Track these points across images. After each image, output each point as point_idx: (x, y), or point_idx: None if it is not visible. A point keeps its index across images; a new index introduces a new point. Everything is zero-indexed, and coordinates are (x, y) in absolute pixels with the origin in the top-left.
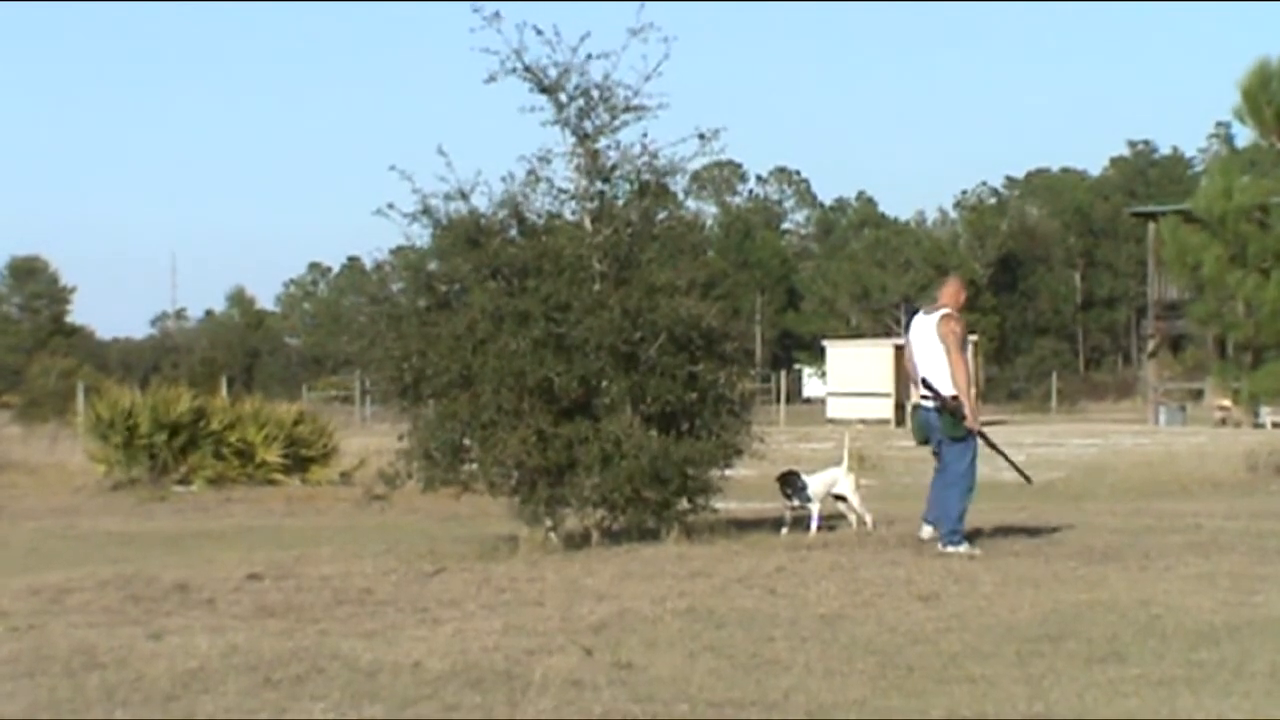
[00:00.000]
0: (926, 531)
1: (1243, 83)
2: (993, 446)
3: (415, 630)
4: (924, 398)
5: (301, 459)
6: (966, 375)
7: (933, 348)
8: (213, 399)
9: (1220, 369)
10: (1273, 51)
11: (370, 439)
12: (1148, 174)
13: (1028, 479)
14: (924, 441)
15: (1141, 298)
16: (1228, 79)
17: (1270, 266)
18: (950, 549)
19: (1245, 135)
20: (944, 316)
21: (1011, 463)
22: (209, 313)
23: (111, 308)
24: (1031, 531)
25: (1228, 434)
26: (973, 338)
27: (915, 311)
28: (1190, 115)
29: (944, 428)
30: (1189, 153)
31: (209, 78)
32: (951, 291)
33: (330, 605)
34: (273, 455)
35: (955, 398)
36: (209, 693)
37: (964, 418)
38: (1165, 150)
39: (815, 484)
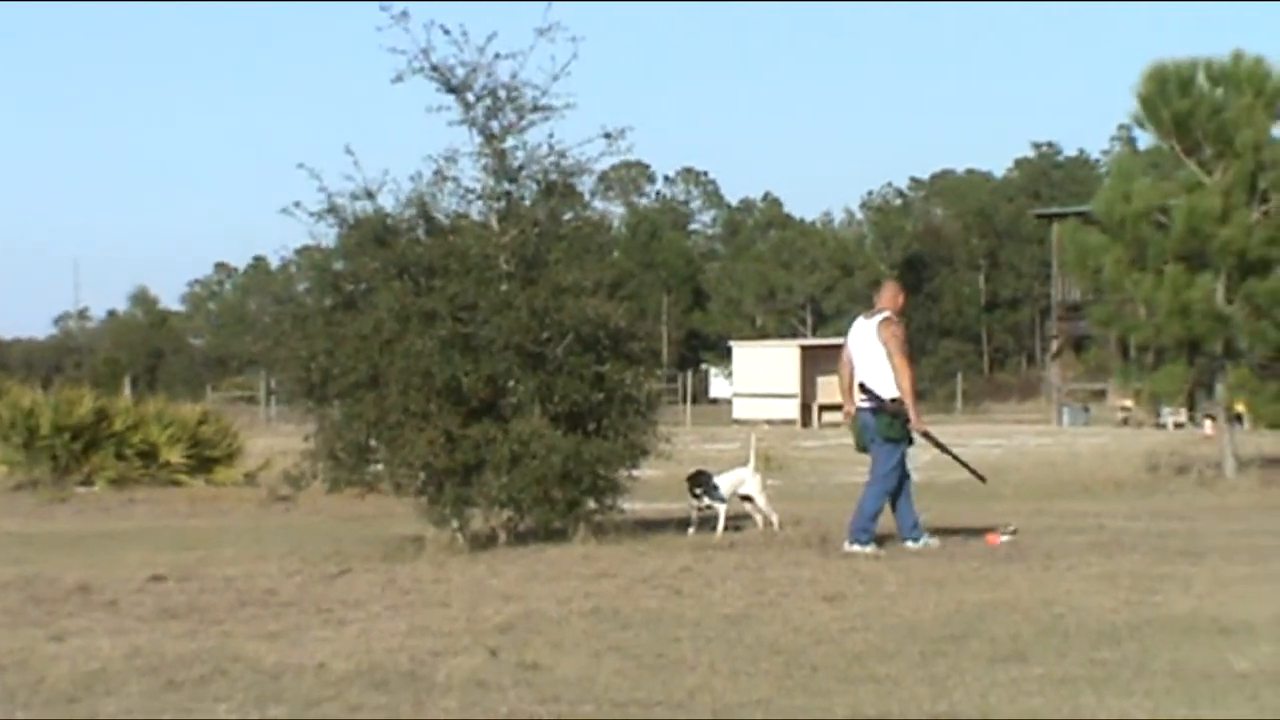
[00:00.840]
0: (911, 545)
1: (1139, 87)
2: (941, 447)
3: (320, 631)
4: (863, 400)
5: (206, 460)
6: (911, 378)
7: (873, 351)
8: (116, 399)
9: (1122, 370)
10: (1171, 53)
11: (275, 440)
12: (1051, 176)
13: (981, 478)
14: (864, 449)
15: (1045, 299)
16: (1131, 81)
17: (1168, 268)
18: (855, 548)
19: (1147, 138)
20: (884, 320)
21: (962, 462)
22: (112, 313)
23: (13, 308)
24: (936, 531)
25: (1130, 434)
26: None
27: (855, 317)
28: (1095, 117)
29: (879, 428)
30: (1093, 155)
31: (113, 75)
32: (890, 295)
33: (234, 606)
34: (176, 456)
35: (895, 400)
36: (111, 695)
37: (905, 420)
38: (1070, 152)
39: (722, 484)
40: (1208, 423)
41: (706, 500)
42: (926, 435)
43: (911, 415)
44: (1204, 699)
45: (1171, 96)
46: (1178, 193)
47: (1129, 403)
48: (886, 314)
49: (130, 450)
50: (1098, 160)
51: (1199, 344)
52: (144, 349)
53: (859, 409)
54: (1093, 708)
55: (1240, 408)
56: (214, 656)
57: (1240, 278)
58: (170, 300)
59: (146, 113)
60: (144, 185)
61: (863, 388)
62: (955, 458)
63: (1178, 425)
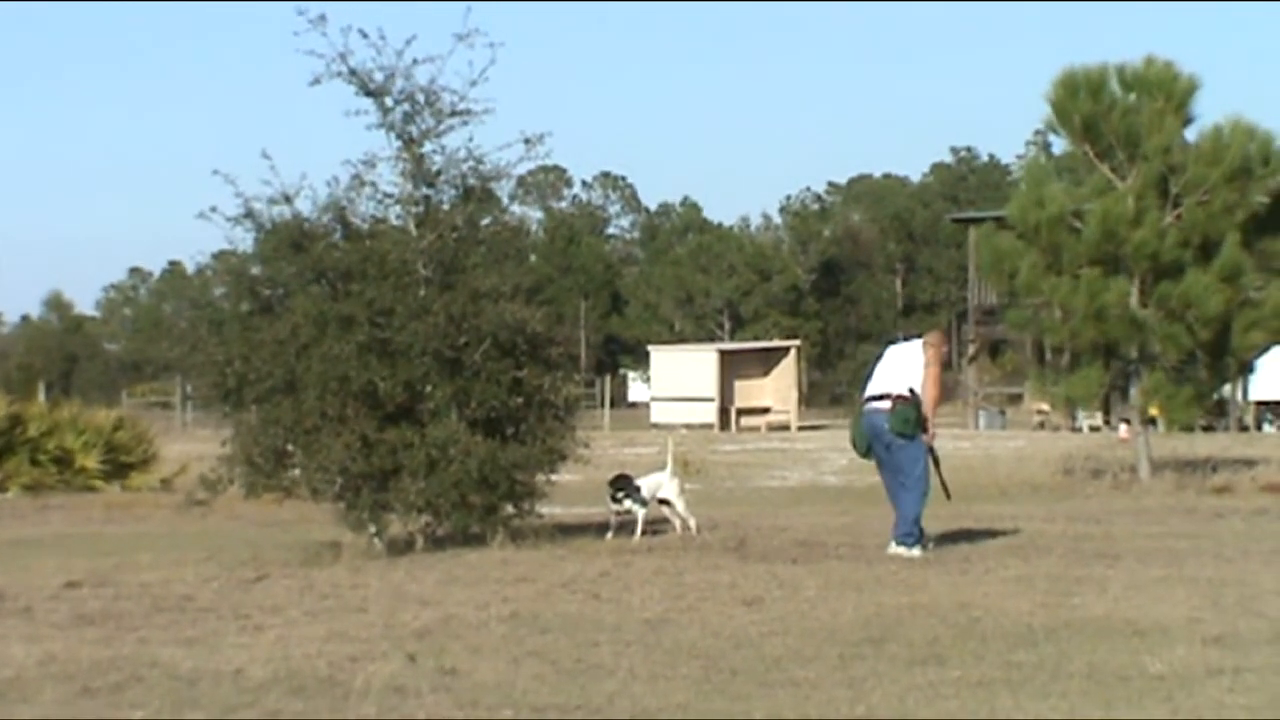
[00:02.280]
0: (894, 549)
1: (1051, 93)
2: (935, 462)
3: (237, 637)
4: (873, 399)
5: (121, 465)
6: (938, 393)
7: (908, 364)
8: (30, 405)
9: (1038, 374)
10: (1086, 58)
11: (192, 445)
12: (969, 181)
13: (948, 494)
14: (865, 453)
15: (962, 303)
16: (1045, 87)
17: (1083, 272)
18: (900, 550)
19: (1060, 143)
20: (931, 343)
21: (942, 480)
22: (25, 318)
23: None
24: (853, 535)
25: (1046, 438)
26: (795, 343)
27: (892, 342)
28: (1013, 122)
29: (893, 422)
30: (1009, 160)
31: (24, 77)
32: (938, 338)
33: (150, 613)
34: (91, 462)
35: (903, 398)
36: (26, 702)
37: (918, 420)
38: (986, 157)
39: (642, 490)
40: (1123, 426)
41: (628, 504)
42: (930, 448)
43: (928, 423)
44: (1120, 701)
45: (1083, 101)
46: (1090, 197)
47: (1045, 406)
48: (931, 341)
49: (45, 456)
50: (1013, 165)
51: (1114, 348)
52: (58, 354)
53: (867, 410)
54: (1009, 710)
55: (1154, 411)
56: (130, 663)
57: (1154, 281)
58: (85, 305)
59: (59, 115)
60: (58, 189)
61: (878, 388)
62: (939, 473)
63: (1093, 429)
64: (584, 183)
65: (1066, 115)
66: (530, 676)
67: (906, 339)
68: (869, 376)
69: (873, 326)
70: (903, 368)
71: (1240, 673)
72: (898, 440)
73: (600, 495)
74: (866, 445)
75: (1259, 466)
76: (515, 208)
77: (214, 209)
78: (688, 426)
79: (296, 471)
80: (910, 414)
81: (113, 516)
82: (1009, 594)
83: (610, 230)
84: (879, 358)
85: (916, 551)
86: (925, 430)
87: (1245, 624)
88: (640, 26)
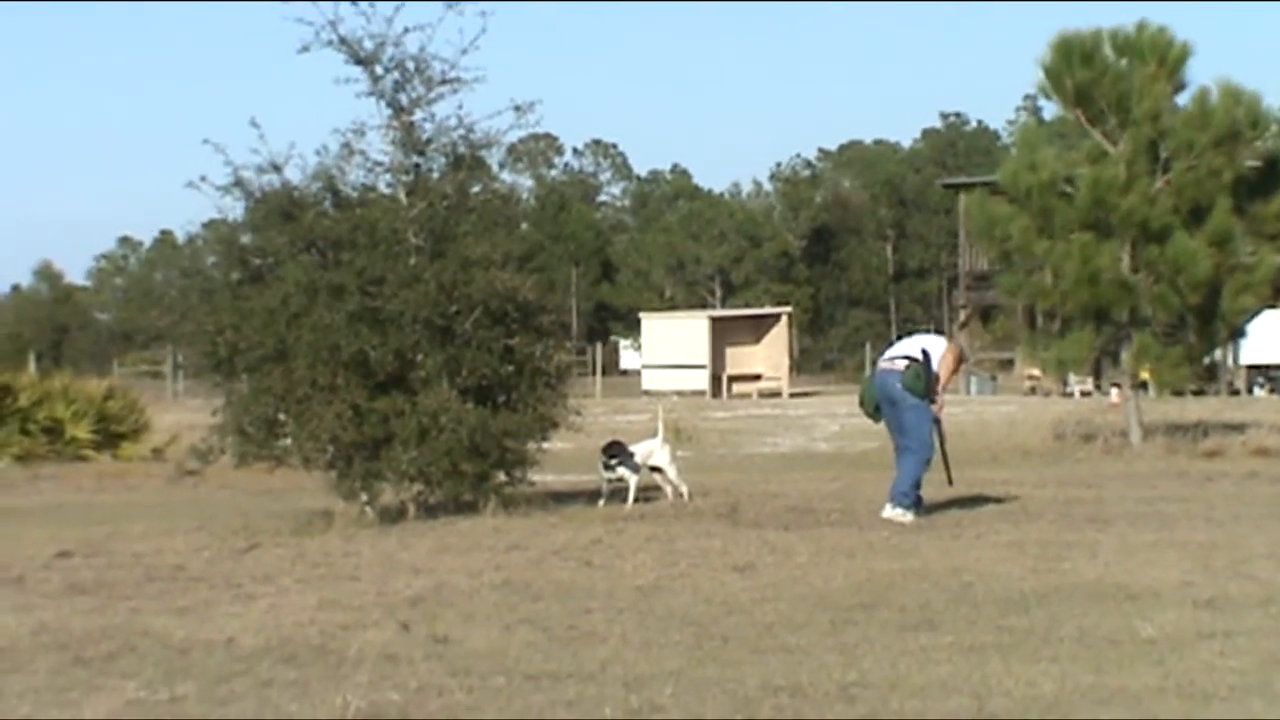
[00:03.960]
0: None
1: (1045, 57)
2: (941, 438)
3: (229, 606)
4: (887, 361)
5: (112, 435)
6: (954, 370)
7: (929, 342)
8: (20, 375)
9: (1029, 339)
10: (1075, 24)
11: (183, 414)
12: (958, 146)
13: (949, 479)
14: (873, 413)
15: (952, 269)
16: (1037, 51)
17: (1075, 237)
18: (896, 513)
19: (1052, 108)
20: (956, 345)
21: (946, 459)
22: (16, 288)
23: None
24: (845, 501)
25: (1037, 403)
26: (786, 309)
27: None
28: (1003, 88)
29: (905, 379)
30: (999, 126)
31: (13, 47)
32: (956, 350)
33: (142, 582)
34: (82, 431)
35: (917, 360)
36: (18, 671)
37: (929, 383)
38: (977, 122)
39: (634, 455)
40: (1114, 391)
41: (621, 470)
42: (937, 420)
43: (938, 396)
44: (1111, 665)
45: (1076, 66)
46: (1082, 163)
47: (1036, 372)
48: (952, 343)
49: (35, 426)
50: (1003, 131)
51: (1105, 312)
52: (49, 324)
53: (879, 370)
54: (1000, 675)
55: (1145, 375)
56: (122, 632)
57: (1144, 246)
58: (76, 275)
59: (49, 85)
60: (48, 159)
61: (898, 351)
62: (944, 452)
63: (1084, 393)
64: (575, 150)
65: (1060, 80)
66: (522, 644)
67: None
68: (883, 353)
69: (864, 292)
70: (922, 343)
71: (1231, 636)
72: (907, 399)
73: (592, 463)
74: (875, 405)
75: (1250, 430)
76: (506, 176)
77: (204, 178)
78: (679, 393)
79: (288, 440)
80: (922, 373)
81: (104, 486)
82: (1000, 559)
83: (601, 198)
84: (898, 339)
85: (909, 517)
86: (934, 399)
87: (1236, 587)
88: None
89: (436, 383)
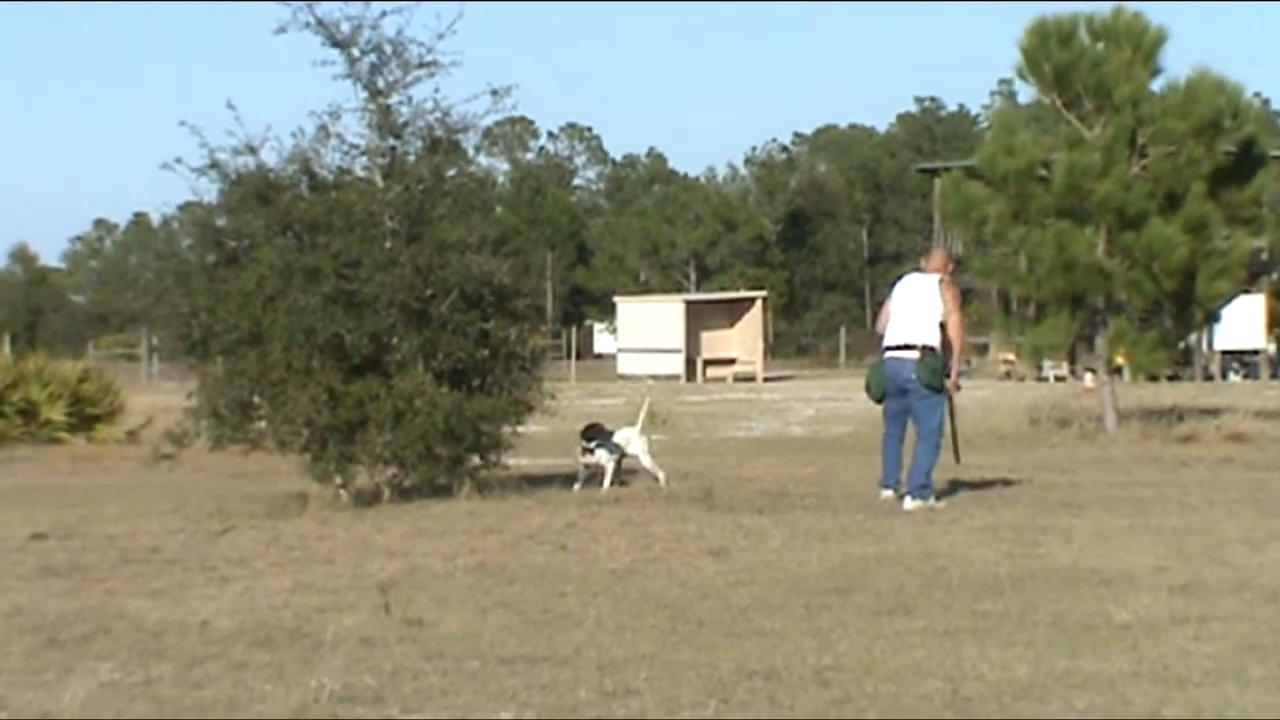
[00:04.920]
0: (888, 494)
1: (1022, 40)
2: (951, 413)
3: (203, 589)
4: (897, 348)
5: (87, 417)
6: (963, 337)
7: (927, 305)
8: None
9: (1004, 323)
10: (1051, 8)
11: (158, 397)
12: (934, 130)
13: (958, 458)
14: (880, 399)
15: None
16: (1012, 35)
17: (1051, 224)
18: (917, 503)
19: (1028, 92)
20: (945, 281)
21: (954, 438)
22: None
23: None
24: (819, 485)
25: (1012, 387)
26: (761, 294)
27: (905, 275)
28: (978, 72)
29: (921, 374)
30: (975, 110)
31: None
32: (942, 260)
33: (116, 565)
34: (57, 414)
35: (933, 349)
36: None
37: (945, 370)
38: (953, 107)
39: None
40: (1089, 376)
41: (600, 453)
42: (950, 399)
43: (952, 371)
44: (1085, 649)
45: (1053, 50)
46: (1059, 147)
47: (1011, 356)
48: (947, 276)
49: (10, 408)
50: (979, 115)
51: (1081, 298)
52: (24, 306)
53: (889, 358)
54: (975, 659)
55: (1120, 360)
56: (97, 615)
57: (1120, 232)
58: (51, 257)
59: (22, 66)
60: (22, 141)
61: (904, 335)
62: (954, 429)
63: (1059, 378)
64: (550, 134)
65: (1037, 64)
66: (497, 627)
67: (919, 270)
68: (884, 317)
69: (839, 277)
70: (922, 311)
71: (1205, 621)
72: (920, 390)
73: (567, 446)
74: (883, 392)
75: (1224, 415)
76: (482, 159)
77: (179, 160)
78: (654, 377)
79: (262, 424)
80: (939, 365)
81: (78, 469)
82: (975, 543)
83: (576, 182)
84: (892, 292)
85: (940, 503)
86: (949, 375)
87: (1210, 572)
88: None
89: (412, 366)
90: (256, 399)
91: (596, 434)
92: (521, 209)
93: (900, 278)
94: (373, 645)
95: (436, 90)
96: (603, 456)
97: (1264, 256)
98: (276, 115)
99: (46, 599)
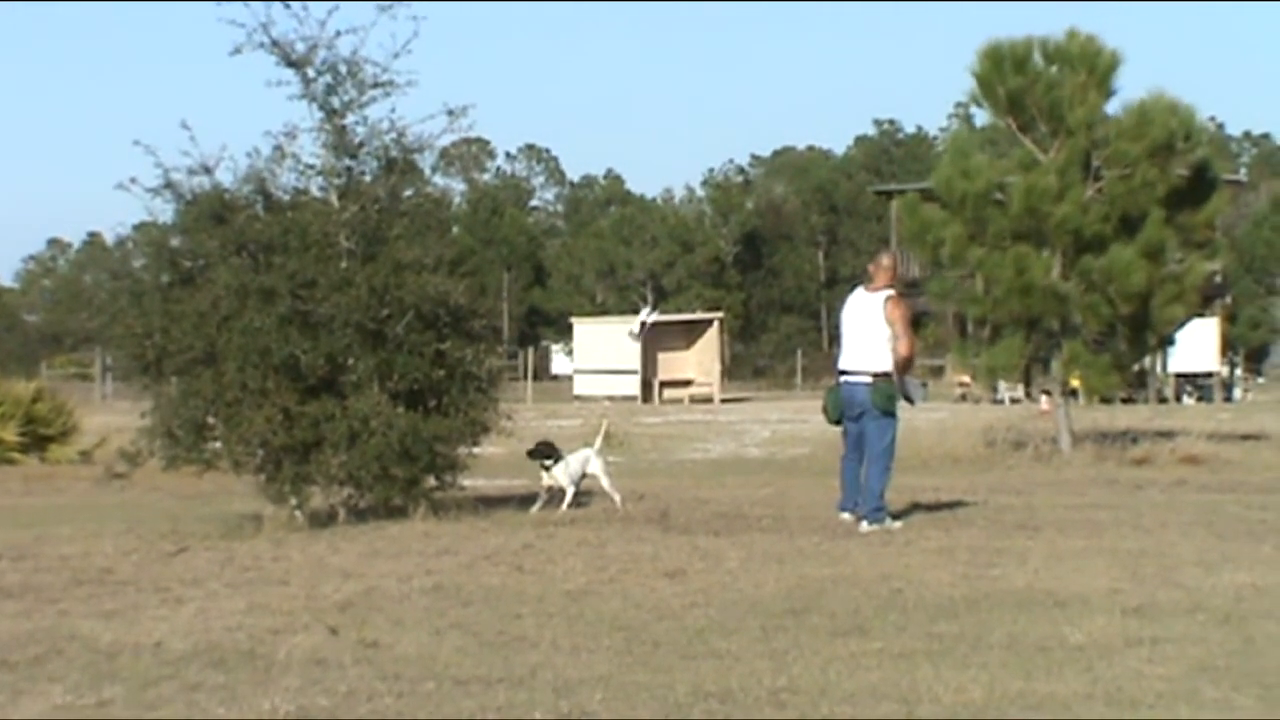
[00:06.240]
0: (847, 516)
1: (975, 66)
2: (907, 399)
3: (157, 610)
4: (850, 373)
5: (40, 437)
6: (913, 353)
7: (872, 325)
8: None
9: (959, 346)
10: (1009, 31)
11: (111, 417)
12: (892, 153)
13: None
14: (837, 421)
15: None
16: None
17: (1009, 248)
18: (874, 526)
19: (984, 116)
20: (891, 299)
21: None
22: None
23: None
24: (775, 507)
25: (968, 410)
26: (718, 315)
27: (854, 287)
28: (936, 95)
29: (874, 399)
30: (932, 132)
31: None
32: (889, 270)
33: (69, 585)
34: (9, 434)
35: (886, 375)
36: None
37: (897, 394)
38: (911, 129)
39: (571, 465)
40: (1044, 398)
41: (556, 471)
42: (906, 395)
43: (898, 383)
44: (1040, 671)
45: (1007, 74)
46: (1014, 171)
47: (966, 378)
48: (892, 292)
49: None
50: (936, 138)
51: (1036, 320)
52: None
53: (845, 382)
54: (930, 681)
55: (1075, 383)
56: (49, 636)
57: (1076, 255)
58: (3, 276)
59: None
60: None
61: (852, 360)
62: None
63: (1014, 401)
64: (507, 154)
65: (991, 88)
66: (453, 649)
67: (860, 283)
68: (839, 336)
69: (795, 298)
70: (870, 333)
71: (1159, 643)
72: (873, 411)
73: (524, 467)
74: (840, 414)
75: (1178, 438)
76: (438, 179)
77: (134, 180)
78: (610, 399)
79: (217, 444)
80: (892, 391)
81: (31, 489)
82: (930, 565)
83: (533, 202)
84: (843, 308)
85: (896, 524)
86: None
87: (1164, 595)
88: None
89: (367, 387)
90: (211, 419)
91: (550, 451)
92: (478, 229)
93: (852, 289)
94: (327, 666)
95: (392, 110)
96: (561, 477)
97: (1217, 280)
98: (232, 135)
99: None
